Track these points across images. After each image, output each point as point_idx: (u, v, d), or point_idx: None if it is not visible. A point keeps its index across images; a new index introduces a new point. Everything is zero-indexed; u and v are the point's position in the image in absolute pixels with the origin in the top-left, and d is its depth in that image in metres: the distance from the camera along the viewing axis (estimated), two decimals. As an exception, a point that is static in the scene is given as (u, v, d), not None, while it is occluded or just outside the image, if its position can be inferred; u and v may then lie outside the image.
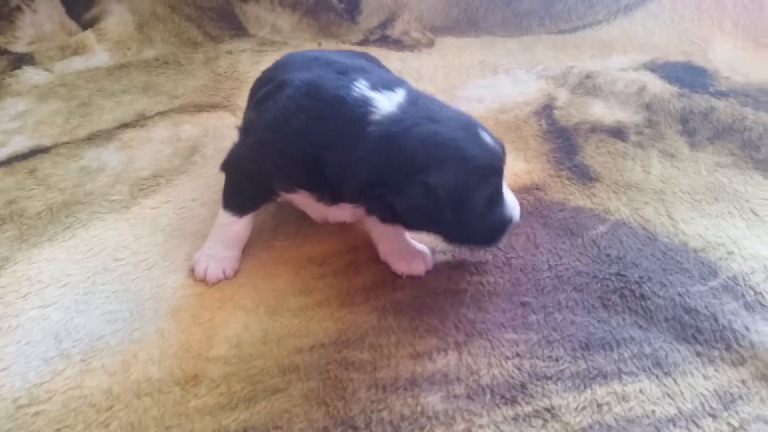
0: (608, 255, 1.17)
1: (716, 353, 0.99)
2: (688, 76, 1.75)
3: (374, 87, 1.01)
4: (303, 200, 1.09)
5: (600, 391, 0.93)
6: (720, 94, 1.65)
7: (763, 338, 1.00)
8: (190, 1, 2.07)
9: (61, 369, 0.98)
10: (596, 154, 1.46)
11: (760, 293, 1.09)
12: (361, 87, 1.00)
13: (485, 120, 1.58)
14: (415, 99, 1.01)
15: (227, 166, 1.16)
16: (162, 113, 1.67)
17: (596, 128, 1.55)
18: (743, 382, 0.94)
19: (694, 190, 1.34)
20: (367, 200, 1.00)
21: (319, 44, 2.01)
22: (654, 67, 1.80)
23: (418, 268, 1.15)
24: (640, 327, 1.04)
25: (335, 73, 1.05)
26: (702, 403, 0.91)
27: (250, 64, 1.88)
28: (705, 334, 1.02)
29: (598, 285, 1.11)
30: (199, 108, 1.69)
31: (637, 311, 1.06)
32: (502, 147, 1.02)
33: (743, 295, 1.09)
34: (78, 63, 1.93)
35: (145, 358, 1.00)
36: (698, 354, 0.99)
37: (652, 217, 1.27)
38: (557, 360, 0.98)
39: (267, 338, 1.03)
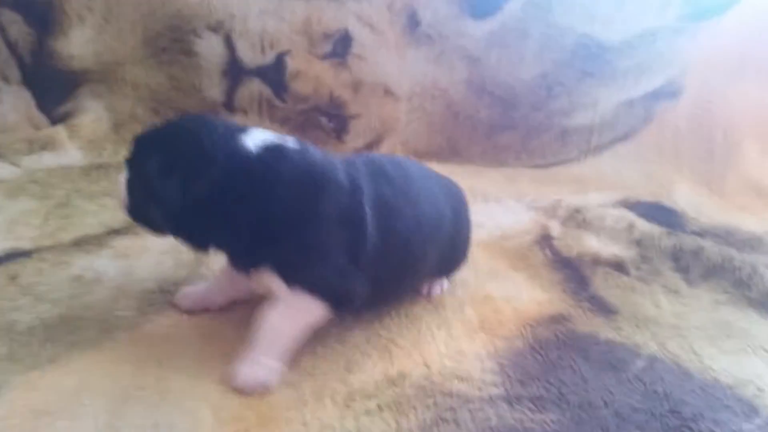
0: (656, 392, 1.17)
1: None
2: (662, 216, 1.88)
3: None
4: None
5: None
6: (697, 235, 1.78)
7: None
8: (175, 106, 2.00)
9: None
10: (606, 286, 1.51)
11: (804, 433, 1.12)
12: None
13: (491, 246, 1.62)
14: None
15: None
16: (155, 221, 1.55)
17: (597, 261, 1.61)
18: None
19: (705, 326, 1.40)
20: None
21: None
22: (629, 206, 1.93)
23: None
24: (708, 468, 1.03)
25: None
26: None
27: (242, 174, 1.82)
28: (771, 477, 1.02)
29: (658, 423, 1.10)
30: (195, 217, 1.58)
31: (700, 451, 1.06)
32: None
33: (789, 435, 1.11)
34: (48, 159, 1.78)
35: None
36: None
37: (679, 353, 1.30)
38: (644, 508, 0.94)
39: (333, 488, 0.91)
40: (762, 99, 2.19)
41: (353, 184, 1.11)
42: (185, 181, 1.00)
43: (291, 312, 1.08)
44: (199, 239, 1.09)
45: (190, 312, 1.22)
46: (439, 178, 1.36)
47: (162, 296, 1.28)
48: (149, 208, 1.05)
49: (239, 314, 1.25)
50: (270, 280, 1.07)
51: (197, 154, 1.01)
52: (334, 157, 1.17)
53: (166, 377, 1.07)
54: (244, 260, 1.09)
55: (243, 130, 1.07)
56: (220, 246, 1.10)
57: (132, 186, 1.09)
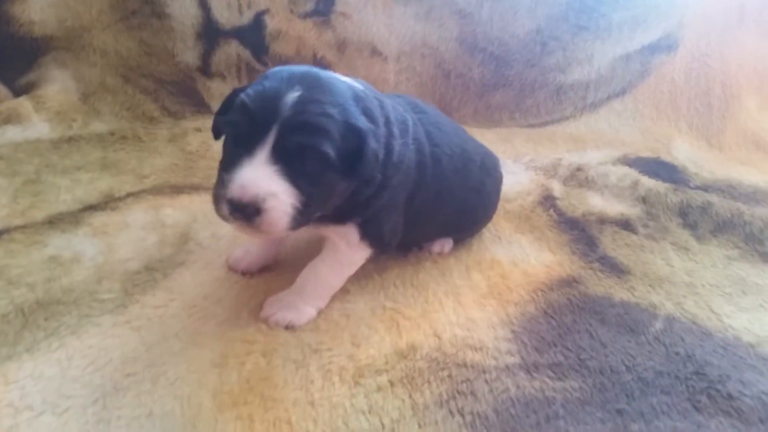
0: (677, 353, 1.12)
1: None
2: (663, 171, 1.82)
3: None
4: None
5: None
6: (701, 190, 1.72)
7: None
8: (147, 73, 1.86)
9: None
10: (615, 246, 1.44)
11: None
12: None
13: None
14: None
15: None
16: (134, 194, 1.44)
17: (604, 220, 1.55)
18: None
19: (719, 283, 1.35)
20: None
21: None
22: (629, 162, 1.86)
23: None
24: (739, 430, 0.97)
25: None
26: None
27: (225, 143, 1.71)
28: (805, 435, 0.97)
29: (683, 386, 1.04)
30: (177, 190, 1.48)
31: (729, 413, 1.00)
32: (307, 117, 0.89)
33: (818, 392, 1.06)
34: (13, 133, 1.64)
35: (202, 508, 0.77)
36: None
37: (696, 312, 1.24)
38: (680, 475, 0.89)
39: (350, 471, 0.84)
40: (760, 50, 2.13)
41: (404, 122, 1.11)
42: None
43: (340, 264, 1.12)
44: None
45: (246, 274, 1.21)
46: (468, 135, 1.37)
47: (148, 275, 1.18)
48: None
49: (233, 293, 1.16)
50: (347, 232, 1.08)
51: None
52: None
53: (157, 362, 0.98)
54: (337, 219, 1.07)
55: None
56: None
57: None
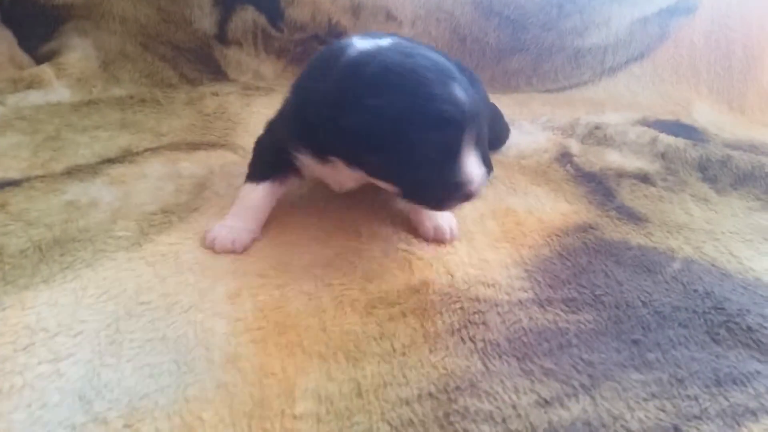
0: (695, 291, 1.10)
1: None
2: (683, 132, 1.79)
3: (362, 37, 1.05)
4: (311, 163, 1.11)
5: (756, 429, 0.82)
6: (725, 147, 1.69)
7: None
8: (166, 41, 1.89)
9: (98, 438, 0.74)
10: (633, 197, 1.43)
11: None
12: (350, 38, 1.05)
13: (507, 165, 1.53)
14: (399, 41, 1.04)
15: (259, 138, 1.22)
16: (151, 149, 1.46)
17: (622, 174, 1.53)
18: None
19: (740, 230, 1.32)
20: (329, 136, 0.99)
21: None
22: (648, 124, 1.83)
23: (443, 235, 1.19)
24: (760, 361, 0.95)
25: None
26: None
27: (241, 106, 1.72)
28: (826, 366, 0.94)
29: (701, 320, 1.02)
30: (193, 146, 1.49)
31: (749, 344, 0.98)
32: (477, 106, 1.00)
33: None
34: (35, 97, 1.68)
35: (213, 419, 0.77)
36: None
37: (716, 255, 1.22)
38: (696, 399, 0.86)
39: (360, 389, 0.84)
40: (782, 10, 2.08)
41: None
42: None
43: None
44: None
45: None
46: None
47: (164, 217, 1.20)
48: None
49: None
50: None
51: None
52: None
53: (171, 293, 0.99)
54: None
55: None
56: None
57: None
